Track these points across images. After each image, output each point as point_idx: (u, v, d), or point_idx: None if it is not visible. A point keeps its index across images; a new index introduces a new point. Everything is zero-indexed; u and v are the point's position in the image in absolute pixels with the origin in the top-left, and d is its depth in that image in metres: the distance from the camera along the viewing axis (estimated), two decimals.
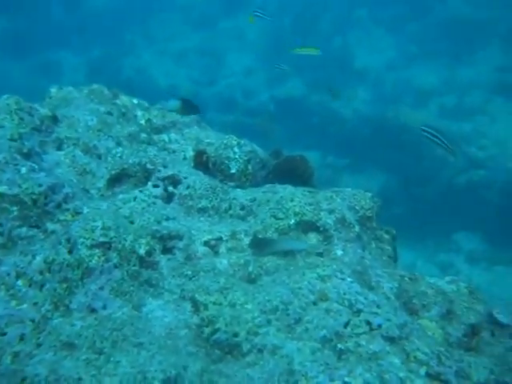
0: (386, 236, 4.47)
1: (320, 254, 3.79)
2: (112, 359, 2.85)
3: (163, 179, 4.20)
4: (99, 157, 4.52)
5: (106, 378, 2.75)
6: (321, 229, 3.90)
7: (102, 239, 3.39)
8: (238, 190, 4.37)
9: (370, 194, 4.36)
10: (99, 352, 2.90)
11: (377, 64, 19.64)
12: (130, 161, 4.29)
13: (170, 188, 4.17)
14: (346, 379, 2.81)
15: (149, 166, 4.25)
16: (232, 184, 4.86)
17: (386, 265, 4.09)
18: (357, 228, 4.01)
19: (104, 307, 3.20)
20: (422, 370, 3.02)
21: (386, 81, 19.00)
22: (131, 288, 3.31)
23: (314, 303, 3.27)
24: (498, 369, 3.22)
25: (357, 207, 4.21)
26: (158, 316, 3.18)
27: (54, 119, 4.56)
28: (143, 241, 3.52)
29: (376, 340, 3.12)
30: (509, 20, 19.03)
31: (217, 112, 17.71)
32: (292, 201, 3.97)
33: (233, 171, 4.87)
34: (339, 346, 3.06)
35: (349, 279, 3.44)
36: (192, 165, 4.84)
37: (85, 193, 4.08)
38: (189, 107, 5.05)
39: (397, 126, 15.52)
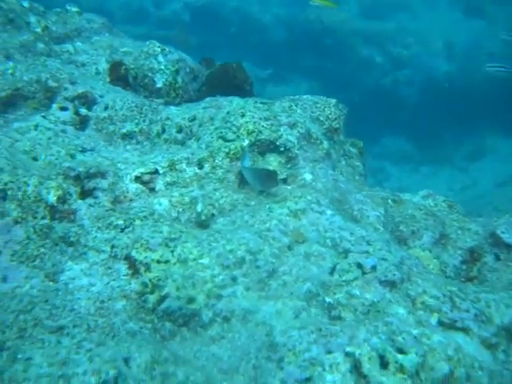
0: (353, 150, 3.73)
1: (284, 181, 3.00)
2: (20, 356, 1.99)
3: (72, 99, 3.23)
4: None
5: None
6: (282, 149, 3.08)
7: None
8: (172, 107, 3.45)
9: (333, 101, 3.54)
10: (0, 348, 2.03)
11: None
12: (25, 78, 3.26)
13: (83, 110, 3.22)
14: (348, 349, 2.09)
15: (51, 82, 3.25)
16: (160, 101, 3.96)
17: (361, 186, 3.37)
18: (325, 144, 3.21)
19: (4, 279, 2.31)
20: (433, 319, 2.34)
21: None
22: (41, 250, 2.41)
23: (289, 247, 2.50)
24: None
25: (321, 118, 3.40)
26: (83, 285, 2.32)
27: None
28: (52, 183, 2.59)
29: (372, 287, 2.40)
30: None
31: (126, 24, 16.08)
32: (243, 116, 3.11)
33: (159, 85, 3.97)
34: (327, 299, 2.34)
35: (328, 212, 2.67)
36: (108, 80, 3.88)
37: None
38: None
39: (319, 30, 14.62)
